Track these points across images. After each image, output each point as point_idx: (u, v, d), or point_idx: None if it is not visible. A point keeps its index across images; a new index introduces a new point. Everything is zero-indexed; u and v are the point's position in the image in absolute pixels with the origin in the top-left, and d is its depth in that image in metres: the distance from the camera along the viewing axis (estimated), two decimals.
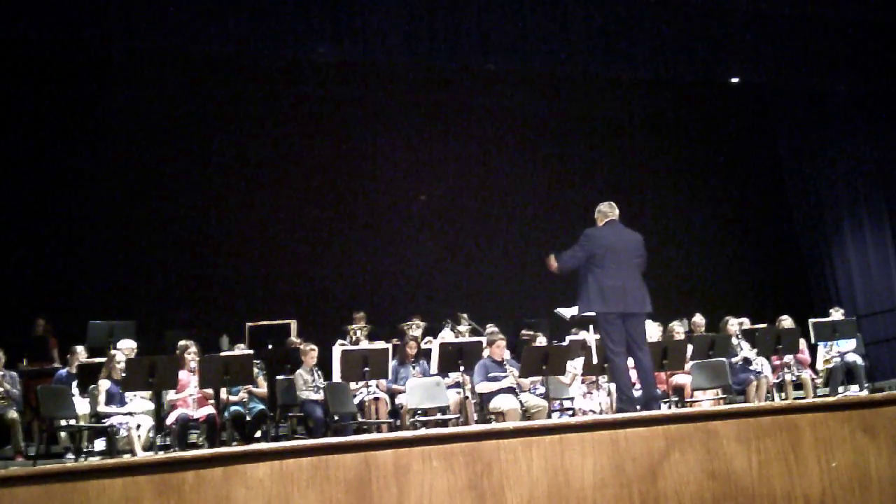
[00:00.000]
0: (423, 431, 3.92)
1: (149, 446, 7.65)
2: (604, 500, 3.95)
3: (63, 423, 8.23)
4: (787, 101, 14.14)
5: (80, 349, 9.10)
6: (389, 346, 9.21)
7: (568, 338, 9.91)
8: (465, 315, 10.86)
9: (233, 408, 8.50)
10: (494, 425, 4.09)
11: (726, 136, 14.36)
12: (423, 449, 3.82)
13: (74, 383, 8.68)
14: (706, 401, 9.18)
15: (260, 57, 11.70)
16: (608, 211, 6.87)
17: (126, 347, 8.70)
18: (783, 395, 9.79)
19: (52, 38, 9.46)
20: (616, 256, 6.62)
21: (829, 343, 10.66)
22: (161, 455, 3.73)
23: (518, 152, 13.71)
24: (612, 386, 8.77)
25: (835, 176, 13.81)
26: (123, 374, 7.86)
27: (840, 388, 10.20)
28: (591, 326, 8.63)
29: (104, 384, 8.01)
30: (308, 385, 8.74)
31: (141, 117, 11.89)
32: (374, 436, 3.87)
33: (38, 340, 10.15)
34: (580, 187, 13.33)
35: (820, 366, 10.81)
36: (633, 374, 7.17)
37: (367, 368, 8.41)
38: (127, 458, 6.47)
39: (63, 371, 9.13)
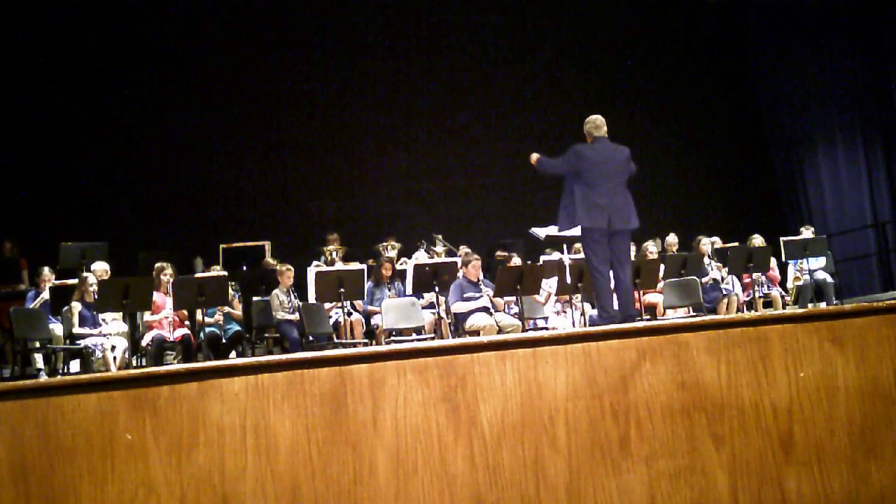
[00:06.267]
0: (397, 346, 3.93)
1: (124, 367, 7.65)
2: (576, 411, 4.00)
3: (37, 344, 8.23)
4: (761, 17, 14.01)
5: (46, 270, 8.93)
6: (364, 267, 9.22)
7: (542, 257, 9.96)
8: (439, 236, 10.87)
9: (208, 329, 8.52)
10: (469, 339, 4.12)
11: (699, 54, 14.23)
12: (398, 363, 3.84)
13: (37, 301, 8.62)
14: (678, 318, 9.31)
15: None
16: (594, 130, 6.74)
17: (99, 269, 8.63)
18: (753, 312, 9.94)
19: None
20: (603, 173, 6.56)
21: (800, 261, 10.78)
22: (135, 370, 3.72)
23: (493, 71, 13.56)
24: (586, 305, 8.88)
25: (808, 94, 13.77)
26: (96, 297, 7.83)
27: (809, 306, 10.36)
28: (564, 246, 8.68)
29: (77, 306, 7.97)
30: (284, 306, 8.76)
31: (109, 35, 11.64)
32: (350, 350, 3.88)
33: (7, 262, 10.03)
34: (554, 106, 13.22)
35: (790, 284, 10.95)
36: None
37: (342, 289, 8.45)
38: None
39: (31, 293, 9.05)
